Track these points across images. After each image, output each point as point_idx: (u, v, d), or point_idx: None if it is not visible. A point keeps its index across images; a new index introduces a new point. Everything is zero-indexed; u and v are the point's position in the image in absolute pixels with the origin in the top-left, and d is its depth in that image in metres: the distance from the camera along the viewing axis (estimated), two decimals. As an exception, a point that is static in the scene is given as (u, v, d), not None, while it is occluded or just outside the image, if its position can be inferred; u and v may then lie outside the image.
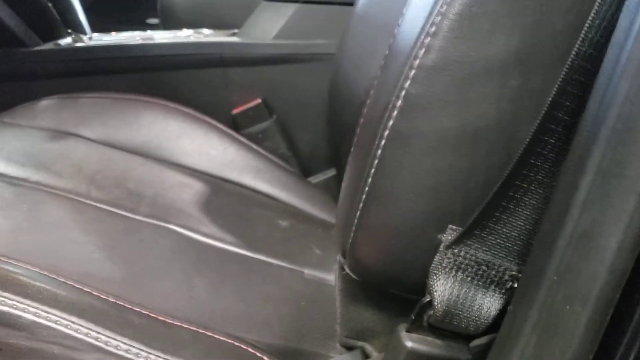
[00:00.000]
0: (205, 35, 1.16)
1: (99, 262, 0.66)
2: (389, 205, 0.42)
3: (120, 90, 1.04)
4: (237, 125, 1.13)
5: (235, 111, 1.13)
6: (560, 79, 0.35)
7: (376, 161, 0.42)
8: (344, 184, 0.50)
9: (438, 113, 0.39)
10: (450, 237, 0.41)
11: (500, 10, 0.38)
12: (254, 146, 1.02)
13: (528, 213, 0.40)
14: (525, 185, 0.39)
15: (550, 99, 0.36)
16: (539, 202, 0.39)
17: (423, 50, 0.39)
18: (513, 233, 0.41)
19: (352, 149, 0.48)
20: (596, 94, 0.32)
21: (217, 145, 1.00)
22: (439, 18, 0.38)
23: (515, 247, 0.41)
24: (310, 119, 1.13)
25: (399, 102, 0.40)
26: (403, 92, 0.40)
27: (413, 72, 0.39)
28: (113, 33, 1.21)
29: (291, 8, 1.10)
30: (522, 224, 0.40)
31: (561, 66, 0.37)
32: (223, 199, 0.91)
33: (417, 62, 0.39)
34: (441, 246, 0.41)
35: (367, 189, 0.43)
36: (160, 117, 1.01)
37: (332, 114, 1.07)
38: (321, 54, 1.09)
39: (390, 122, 0.41)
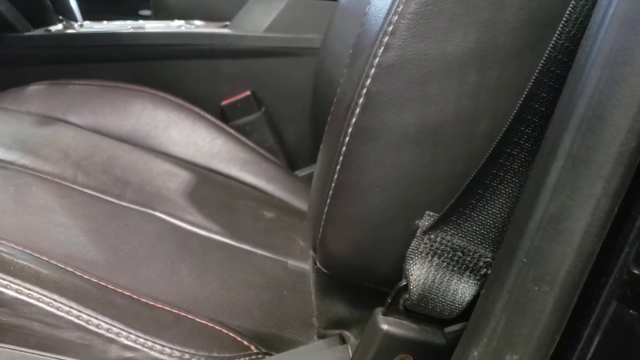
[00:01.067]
0: (197, 26, 1.16)
1: (83, 245, 0.66)
2: (355, 200, 0.43)
3: (110, 78, 1.04)
4: (225, 117, 1.14)
5: (224, 102, 1.14)
6: (537, 71, 0.36)
7: (341, 157, 0.43)
8: (313, 180, 0.51)
9: (399, 110, 0.40)
10: (427, 223, 0.42)
11: (455, 9, 0.39)
12: (242, 138, 1.03)
13: (503, 201, 0.41)
14: (501, 174, 0.40)
15: (527, 89, 0.37)
16: (514, 190, 0.40)
17: (382, 49, 0.40)
18: (488, 220, 0.42)
19: (321, 145, 0.49)
20: (569, 84, 0.34)
21: (205, 136, 1.01)
22: (396, 17, 0.39)
23: (490, 235, 0.42)
24: (299, 113, 1.13)
25: (361, 100, 0.41)
26: (364, 90, 0.41)
27: (373, 70, 0.40)
28: (104, 22, 1.21)
29: (282, 2, 1.11)
30: (497, 212, 0.41)
31: (516, 61, 0.39)
32: (209, 188, 0.91)
33: (377, 60, 0.40)
34: (418, 231, 0.42)
35: (333, 184, 0.44)
36: (149, 106, 1.01)
37: (315, 110, 1.07)
38: (311, 48, 1.09)
39: (354, 120, 0.42)
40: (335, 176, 0.44)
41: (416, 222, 0.43)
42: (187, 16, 1.26)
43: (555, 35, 0.36)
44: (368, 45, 0.41)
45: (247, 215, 0.87)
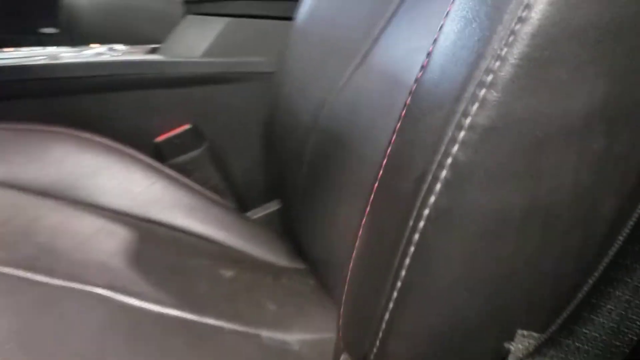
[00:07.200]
0: (122, 52, 1.03)
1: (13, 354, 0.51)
2: (432, 307, 0.33)
3: (22, 119, 0.90)
4: (162, 156, 1.03)
5: (159, 139, 1.03)
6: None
7: (412, 248, 0.33)
8: (355, 266, 0.39)
9: (499, 187, 0.31)
10: (521, 346, 0.31)
11: (581, 54, 0.28)
12: (184, 179, 0.92)
13: (612, 308, 0.31)
14: (619, 276, 0.30)
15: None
16: (628, 294, 0.31)
17: (476, 105, 0.30)
18: (596, 334, 0.32)
19: (365, 224, 0.38)
20: None
21: (140, 181, 0.90)
22: (498, 63, 0.29)
23: (596, 351, 0.32)
24: (247, 146, 1.05)
25: (444, 173, 0.31)
26: (449, 160, 0.31)
27: (463, 133, 0.30)
28: (10, 49, 1.05)
29: (221, 22, 1.01)
30: (605, 321, 0.32)
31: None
32: (153, 247, 0.79)
33: (468, 120, 0.30)
34: (510, 357, 0.32)
35: (399, 284, 0.34)
36: (73, 150, 0.89)
37: (272, 140, 0.98)
38: (256, 73, 1.01)
39: (432, 199, 0.31)
40: (403, 272, 0.33)
41: (505, 345, 0.32)
42: (105, 38, 1.12)
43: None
44: (450, 97, 0.30)
45: (203, 278, 0.76)
